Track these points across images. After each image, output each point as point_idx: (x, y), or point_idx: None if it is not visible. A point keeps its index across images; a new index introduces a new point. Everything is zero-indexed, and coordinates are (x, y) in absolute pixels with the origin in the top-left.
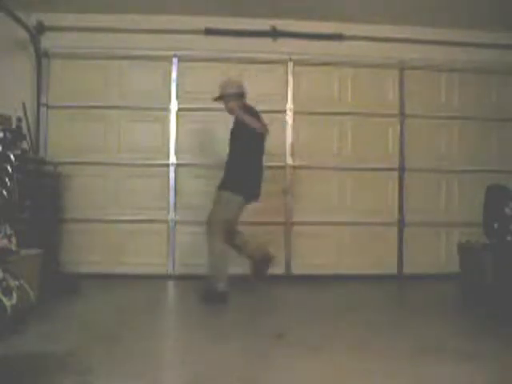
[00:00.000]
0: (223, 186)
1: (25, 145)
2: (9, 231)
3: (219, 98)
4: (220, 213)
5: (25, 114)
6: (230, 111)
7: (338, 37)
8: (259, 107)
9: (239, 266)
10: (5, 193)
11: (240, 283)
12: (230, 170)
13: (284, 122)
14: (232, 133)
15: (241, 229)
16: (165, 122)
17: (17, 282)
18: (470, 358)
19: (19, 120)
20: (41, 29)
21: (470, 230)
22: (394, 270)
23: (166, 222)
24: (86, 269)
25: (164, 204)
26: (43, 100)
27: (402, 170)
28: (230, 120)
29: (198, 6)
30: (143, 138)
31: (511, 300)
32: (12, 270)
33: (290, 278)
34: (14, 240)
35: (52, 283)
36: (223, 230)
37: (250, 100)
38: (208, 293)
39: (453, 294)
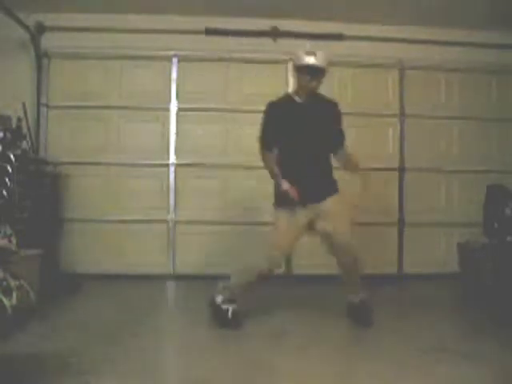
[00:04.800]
0: (333, 188)
1: (25, 145)
2: (9, 231)
3: (320, 72)
4: None
5: (25, 114)
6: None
7: (338, 37)
8: (259, 107)
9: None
10: (5, 193)
11: None
12: (330, 168)
13: None
14: (316, 117)
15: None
16: (165, 122)
17: (17, 282)
18: (469, 358)
19: (19, 120)
20: (41, 29)
21: (470, 230)
22: (394, 270)
23: (166, 222)
24: (86, 269)
25: (164, 204)
26: (43, 100)
27: (401, 170)
28: (229, 119)
29: (198, 5)
30: (143, 138)
31: (511, 300)
32: (12, 270)
33: (289, 278)
34: (14, 240)
35: (52, 283)
36: None
37: (250, 100)
38: None
39: (453, 293)
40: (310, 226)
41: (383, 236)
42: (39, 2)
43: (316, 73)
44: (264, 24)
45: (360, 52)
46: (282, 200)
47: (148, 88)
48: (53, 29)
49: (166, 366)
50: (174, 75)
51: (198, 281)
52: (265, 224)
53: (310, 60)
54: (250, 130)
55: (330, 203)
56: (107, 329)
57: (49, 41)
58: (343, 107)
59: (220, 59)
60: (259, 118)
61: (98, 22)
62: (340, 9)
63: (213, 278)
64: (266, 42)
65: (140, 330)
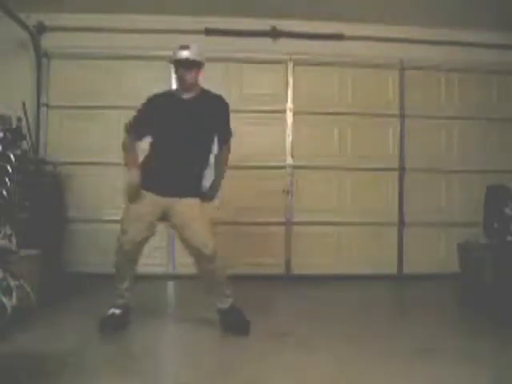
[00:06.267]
0: (199, 191)
1: (25, 145)
2: (9, 231)
3: (193, 65)
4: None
5: (25, 113)
6: (194, 83)
7: (338, 37)
8: (259, 107)
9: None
10: (5, 193)
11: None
12: (202, 169)
13: (284, 121)
14: (195, 115)
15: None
16: None
17: (17, 282)
18: (469, 358)
19: (19, 120)
20: (41, 29)
21: (470, 230)
22: (394, 270)
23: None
24: (86, 269)
25: None
26: (43, 100)
27: (402, 170)
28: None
29: (198, 5)
30: None
31: (511, 300)
32: (12, 270)
33: (289, 278)
34: (14, 240)
35: (52, 283)
36: None
37: (249, 100)
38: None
39: (453, 294)
40: (164, 218)
41: (383, 236)
42: (39, 2)
43: (189, 66)
44: (264, 24)
45: (360, 52)
46: (144, 181)
47: (148, 88)
48: (53, 29)
49: (166, 365)
50: (174, 75)
51: (197, 281)
52: (264, 224)
53: (182, 54)
54: (250, 130)
55: (186, 205)
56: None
57: (49, 41)
58: (343, 107)
59: (220, 59)
60: (259, 117)
61: (98, 22)
62: (340, 9)
63: None
64: (266, 42)
65: (140, 330)
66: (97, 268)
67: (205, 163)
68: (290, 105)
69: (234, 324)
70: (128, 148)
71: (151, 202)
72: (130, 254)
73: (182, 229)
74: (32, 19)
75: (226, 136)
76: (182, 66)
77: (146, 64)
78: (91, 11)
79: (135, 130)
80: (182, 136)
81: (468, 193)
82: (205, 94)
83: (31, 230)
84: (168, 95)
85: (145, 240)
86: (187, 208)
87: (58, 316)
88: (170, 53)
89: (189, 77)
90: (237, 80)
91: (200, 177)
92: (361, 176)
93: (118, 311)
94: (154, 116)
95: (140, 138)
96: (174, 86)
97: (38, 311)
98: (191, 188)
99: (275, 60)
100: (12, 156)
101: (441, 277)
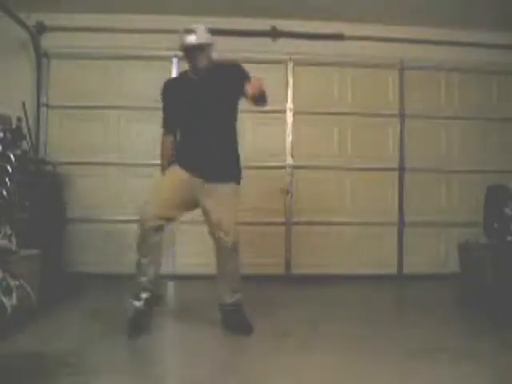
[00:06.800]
0: (232, 175)
1: (25, 145)
2: (9, 231)
3: (201, 48)
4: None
5: (25, 113)
6: (205, 64)
7: (338, 37)
8: (259, 107)
9: None
10: (5, 193)
11: None
12: (231, 149)
13: (284, 122)
14: (209, 92)
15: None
16: None
17: (17, 282)
18: (469, 358)
19: (19, 120)
20: (41, 29)
21: (470, 230)
22: (394, 270)
23: None
24: (86, 269)
25: None
26: (43, 100)
27: (401, 170)
28: None
29: (198, 5)
30: (143, 138)
31: (511, 300)
32: (12, 270)
33: (289, 278)
34: (13, 240)
35: (52, 283)
36: None
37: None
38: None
39: (453, 294)
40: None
41: (383, 236)
42: (39, 2)
43: (197, 51)
44: (264, 24)
45: (360, 52)
46: (179, 160)
47: (148, 88)
48: (53, 29)
49: (167, 365)
50: (174, 75)
51: (197, 281)
52: (265, 224)
53: (187, 40)
54: (249, 130)
55: (215, 190)
56: (107, 328)
57: (49, 41)
58: (343, 107)
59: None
60: (259, 117)
61: (98, 21)
62: (340, 9)
63: (213, 278)
64: (266, 41)
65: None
66: (97, 268)
67: (232, 144)
68: (290, 105)
69: (237, 323)
70: (163, 147)
71: (182, 177)
72: (148, 233)
73: (207, 213)
74: (32, 19)
75: (247, 81)
76: (190, 51)
77: (145, 64)
78: (91, 11)
79: (166, 123)
80: (201, 118)
81: (468, 193)
82: (218, 67)
83: (31, 230)
84: (180, 79)
85: (166, 219)
86: (216, 193)
87: (57, 316)
88: (171, 53)
89: (198, 61)
90: None
91: (231, 160)
92: (361, 176)
93: (136, 309)
94: (172, 103)
95: (173, 129)
96: None
97: (37, 311)
98: (221, 171)
99: (275, 60)
100: (12, 156)
101: (441, 277)
